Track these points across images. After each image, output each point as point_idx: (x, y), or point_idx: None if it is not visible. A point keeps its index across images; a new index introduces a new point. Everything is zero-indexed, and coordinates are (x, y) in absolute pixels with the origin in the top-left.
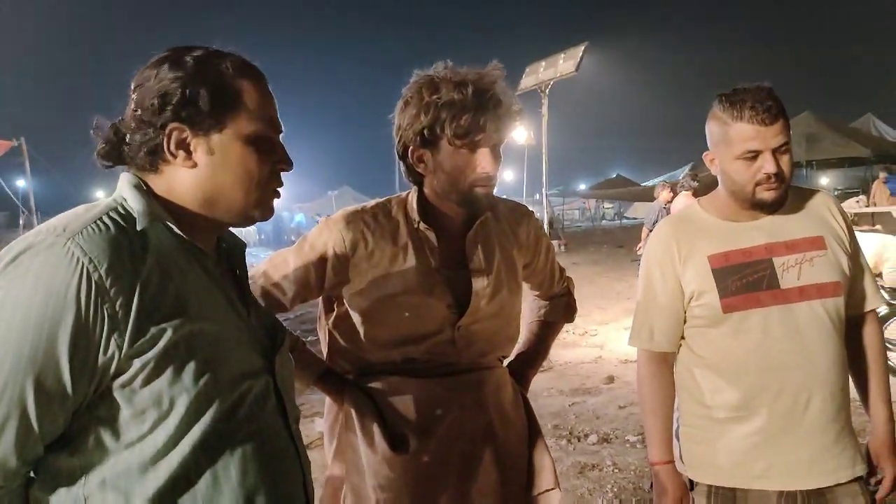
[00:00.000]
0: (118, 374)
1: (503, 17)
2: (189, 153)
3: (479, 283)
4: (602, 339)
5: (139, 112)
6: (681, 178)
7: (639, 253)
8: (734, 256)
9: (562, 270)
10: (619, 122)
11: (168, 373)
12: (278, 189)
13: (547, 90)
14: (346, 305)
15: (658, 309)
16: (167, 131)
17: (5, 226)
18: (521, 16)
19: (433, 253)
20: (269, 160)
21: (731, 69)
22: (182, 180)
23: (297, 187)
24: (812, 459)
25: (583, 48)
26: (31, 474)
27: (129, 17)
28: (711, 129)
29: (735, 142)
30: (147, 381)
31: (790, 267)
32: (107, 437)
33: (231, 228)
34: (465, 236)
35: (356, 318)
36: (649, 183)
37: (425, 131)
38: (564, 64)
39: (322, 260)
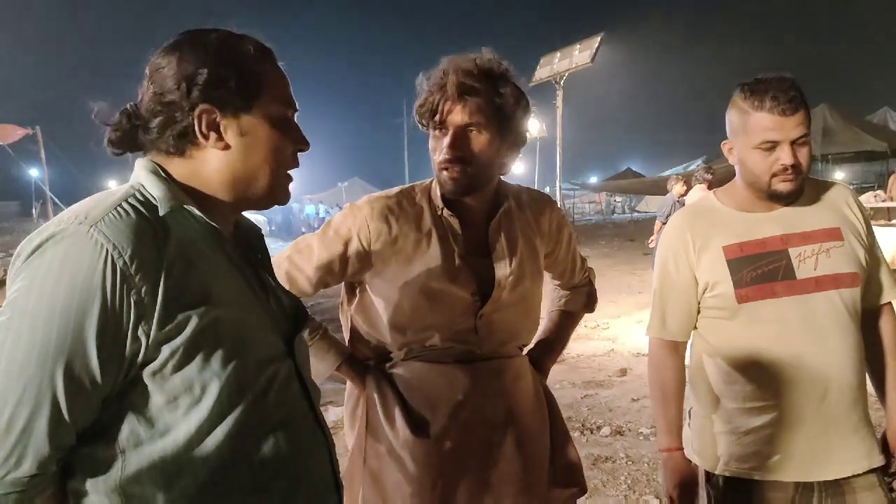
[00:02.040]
0: (148, 361)
1: (520, 6)
2: (220, 135)
3: (502, 272)
4: (614, 332)
5: (163, 95)
6: (695, 170)
7: (651, 246)
8: (749, 247)
9: (583, 261)
10: (631, 114)
11: (198, 359)
12: (290, 172)
13: (562, 81)
14: (369, 291)
15: (671, 298)
16: (197, 113)
17: (19, 214)
18: (539, 5)
19: (456, 240)
20: (292, 141)
21: (747, 61)
22: (212, 163)
23: (308, 178)
24: (828, 450)
25: (599, 39)
26: (69, 466)
27: (146, 6)
28: (731, 117)
29: (754, 131)
30: (177, 368)
31: (806, 258)
32: (140, 425)
33: (246, 215)
34: (488, 224)
35: (378, 304)
36: (661, 175)
37: (416, 116)
38: (580, 55)
39: (346, 245)
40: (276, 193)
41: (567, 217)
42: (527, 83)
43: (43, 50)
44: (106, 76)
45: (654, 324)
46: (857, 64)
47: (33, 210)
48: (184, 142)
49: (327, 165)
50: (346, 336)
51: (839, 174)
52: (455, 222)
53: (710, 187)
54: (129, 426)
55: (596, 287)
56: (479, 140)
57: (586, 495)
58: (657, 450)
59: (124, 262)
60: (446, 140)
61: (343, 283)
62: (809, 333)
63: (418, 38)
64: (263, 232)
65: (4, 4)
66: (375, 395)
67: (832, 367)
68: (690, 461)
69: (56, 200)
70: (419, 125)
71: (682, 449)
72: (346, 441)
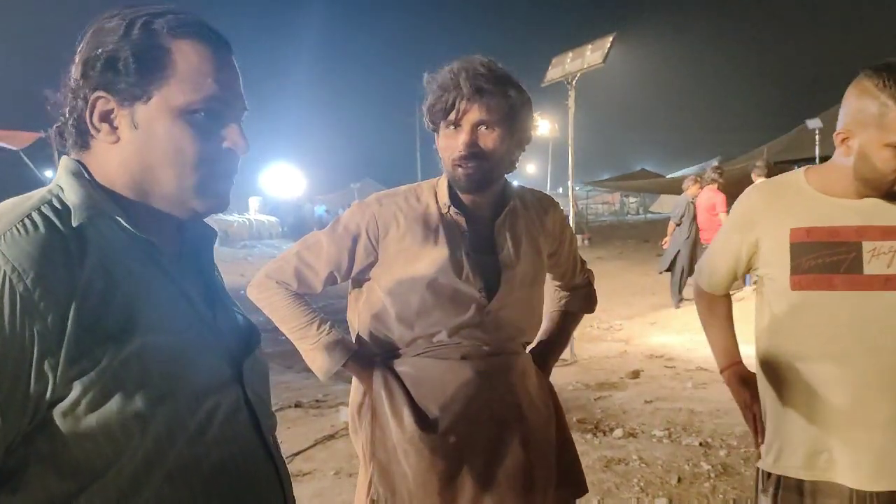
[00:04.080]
0: (57, 400)
1: (532, 6)
2: (113, 127)
3: (508, 269)
4: (627, 333)
5: (69, 80)
6: (705, 171)
7: (664, 248)
8: (817, 234)
9: (583, 262)
10: (644, 115)
11: (118, 397)
12: (228, 174)
13: (574, 82)
14: (376, 288)
15: (715, 261)
16: (91, 101)
17: None
18: (550, 5)
19: (463, 237)
20: (212, 138)
21: (760, 62)
22: (108, 159)
23: (320, 179)
24: (879, 460)
25: (611, 39)
26: None
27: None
28: (860, 105)
29: (893, 128)
30: (93, 407)
31: (882, 253)
32: (50, 476)
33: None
34: (493, 222)
35: (386, 300)
36: (675, 174)
37: (427, 115)
38: (592, 55)
39: (354, 241)
40: (192, 200)
41: (582, 217)
42: (538, 84)
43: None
44: None
45: (700, 274)
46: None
47: None
48: (84, 134)
49: (339, 166)
50: (353, 333)
51: None
52: (461, 220)
53: (719, 188)
54: (38, 477)
55: (605, 289)
56: (492, 137)
57: (599, 497)
58: (719, 371)
59: (25, 287)
60: (462, 137)
61: (350, 280)
62: (861, 333)
63: (430, 39)
64: (276, 232)
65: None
66: (382, 391)
67: (882, 372)
68: (749, 373)
69: None
70: (428, 124)
71: (737, 363)
72: (353, 441)
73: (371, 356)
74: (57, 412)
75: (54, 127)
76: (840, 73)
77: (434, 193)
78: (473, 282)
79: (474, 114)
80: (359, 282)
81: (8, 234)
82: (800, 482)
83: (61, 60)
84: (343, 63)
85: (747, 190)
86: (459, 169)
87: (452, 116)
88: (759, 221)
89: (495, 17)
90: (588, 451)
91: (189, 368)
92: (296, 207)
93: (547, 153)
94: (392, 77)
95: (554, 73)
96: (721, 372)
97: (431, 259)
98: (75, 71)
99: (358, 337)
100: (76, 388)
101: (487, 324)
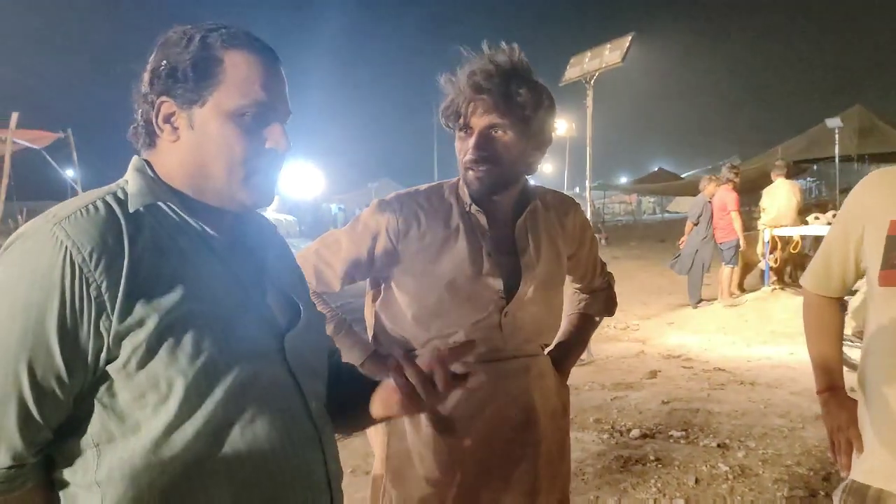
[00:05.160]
0: (112, 358)
1: (551, 5)
2: (174, 127)
3: (528, 270)
4: (644, 333)
5: (140, 89)
6: (723, 170)
7: (681, 247)
8: None
9: (603, 265)
10: (662, 114)
11: (162, 354)
12: (272, 171)
13: (592, 81)
14: (394, 287)
15: (826, 259)
16: (156, 105)
17: None
18: (569, 5)
19: (483, 237)
20: (257, 138)
21: (780, 61)
22: (170, 157)
23: (337, 178)
24: None
25: (630, 38)
26: (51, 459)
27: (181, 13)
28: None
29: None
30: (141, 364)
31: None
32: (111, 421)
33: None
34: (514, 223)
35: (403, 299)
36: (690, 174)
37: (442, 119)
38: (610, 54)
39: (374, 239)
40: (240, 193)
41: (589, 220)
42: (556, 83)
43: (75, 57)
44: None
45: (807, 276)
46: (894, 64)
47: None
48: (152, 135)
49: (357, 166)
50: (370, 332)
51: None
52: (483, 218)
53: (734, 187)
54: (101, 422)
55: (622, 289)
56: (504, 140)
57: (616, 497)
58: (815, 392)
59: (83, 259)
60: (471, 141)
61: (368, 279)
62: None
63: (448, 38)
64: (294, 231)
65: (38, 10)
66: None
67: None
68: (851, 400)
69: None
70: (445, 126)
71: (835, 388)
72: (370, 440)
73: (388, 357)
74: (112, 369)
75: (131, 128)
76: (859, 72)
77: (456, 192)
78: (492, 282)
79: (484, 117)
80: (377, 280)
81: (72, 217)
82: (867, 486)
83: (82, 63)
84: (361, 62)
85: (866, 177)
86: (470, 172)
87: (462, 120)
88: (866, 211)
89: (514, 14)
90: (605, 450)
91: (229, 336)
92: (314, 206)
93: (564, 153)
94: (410, 76)
95: (572, 72)
96: (818, 393)
97: (451, 258)
98: (145, 80)
99: (374, 336)
100: (126, 347)
101: (506, 325)
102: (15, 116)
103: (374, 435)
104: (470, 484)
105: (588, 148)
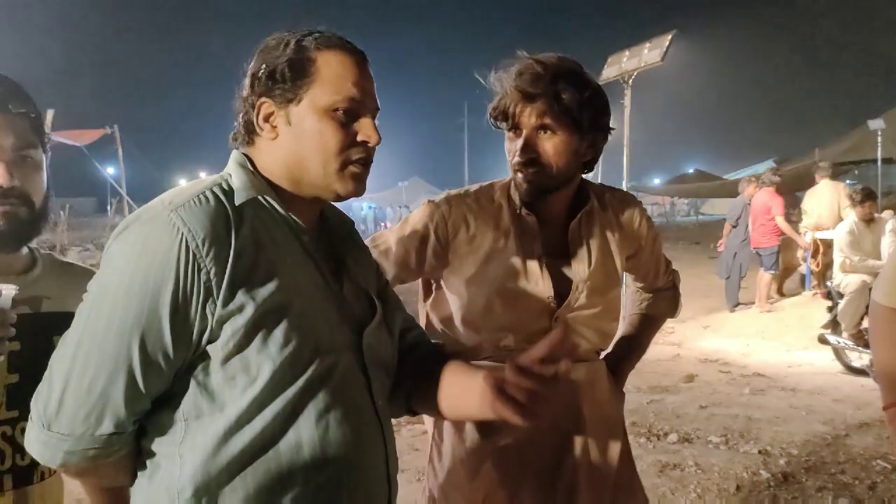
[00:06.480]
0: (212, 339)
1: (589, 3)
2: (273, 126)
3: (580, 274)
4: (680, 336)
5: (241, 92)
6: (763, 173)
7: (719, 249)
8: None
9: (668, 263)
10: (699, 115)
11: (256, 340)
12: (364, 162)
13: (630, 81)
14: (444, 289)
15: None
16: (256, 106)
17: (95, 210)
18: (607, 2)
19: (535, 240)
20: (349, 132)
21: (821, 61)
22: (269, 153)
23: (368, 177)
24: None
25: (670, 36)
26: (142, 427)
27: (223, 17)
28: None
29: None
30: (238, 348)
31: None
32: (203, 398)
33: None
34: (568, 225)
35: (454, 302)
36: (729, 177)
37: (490, 119)
38: (650, 53)
39: (423, 241)
40: (335, 184)
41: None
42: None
43: (119, 58)
44: (177, 82)
45: (877, 286)
46: None
47: (108, 206)
48: (252, 133)
49: (387, 165)
50: None
51: None
52: (534, 221)
53: (777, 190)
54: (193, 399)
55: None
56: (553, 142)
57: (654, 502)
58: (881, 407)
59: (196, 246)
60: (519, 143)
61: (420, 280)
62: None
63: (482, 36)
64: None
65: (86, 12)
66: None
67: None
68: None
69: (129, 200)
70: (494, 126)
71: None
72: (426, 426)
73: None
74: (211, 349)
75: (232, 132)
76: None
77: (508, 193)
78: (543, 286)
79: (529, 118)
80: (428, 281)
81: (187, 205)
82: None
83: (127, 62)
84: (392, 61)
85: None
86: (519, 174)
87: (511, 121)
88: None
89: (549, 10)
90: (642, 454)
91: (314, 327)
92: (345, 205)
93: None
94: (441, 75)
95: (610, 71)
96: (885, 409)
97: (501, 262)
98: (246, 84)
99: None
100: (226, 331)
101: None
102: (50, 114)
103: (430, 433)
104: (514, 491)
105: (625, 149)
